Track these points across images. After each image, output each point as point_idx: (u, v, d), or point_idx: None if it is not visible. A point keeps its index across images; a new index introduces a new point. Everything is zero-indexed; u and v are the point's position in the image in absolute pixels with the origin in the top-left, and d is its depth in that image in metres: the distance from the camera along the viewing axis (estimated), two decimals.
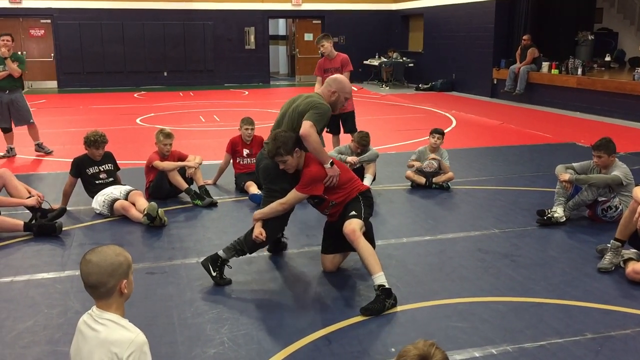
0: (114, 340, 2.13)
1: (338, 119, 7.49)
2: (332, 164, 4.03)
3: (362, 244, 3.82)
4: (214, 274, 4.08)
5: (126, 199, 5.74)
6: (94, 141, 5.82)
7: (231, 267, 4.20)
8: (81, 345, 2.22)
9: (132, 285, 2.29)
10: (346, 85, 4.30)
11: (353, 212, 3.97)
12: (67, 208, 5.73)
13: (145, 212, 5.34)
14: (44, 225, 5.18)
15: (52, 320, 3.65)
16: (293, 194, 3.99)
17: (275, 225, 4.17)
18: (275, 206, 4.02)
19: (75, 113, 13.65)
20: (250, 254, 4.21)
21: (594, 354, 3.21)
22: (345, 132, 7.53)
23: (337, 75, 4.44)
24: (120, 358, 2.09)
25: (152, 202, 5.46)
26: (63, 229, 5.24)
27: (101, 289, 2.19)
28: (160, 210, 5.39)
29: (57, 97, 17.44)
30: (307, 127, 3.95)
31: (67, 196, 5.87)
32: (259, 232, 4.02)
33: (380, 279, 3.74)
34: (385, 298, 3.68)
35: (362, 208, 4.02)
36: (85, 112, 13.87)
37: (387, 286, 3.73)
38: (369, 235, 4.07)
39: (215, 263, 4.08)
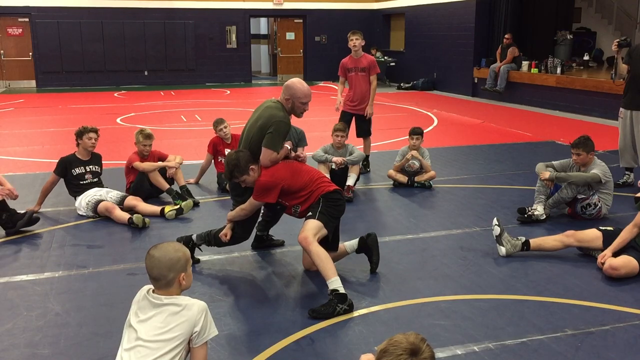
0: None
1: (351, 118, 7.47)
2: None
3: (314, 249, 3.81)
4: None
5: (120, 204, 5.67)
6: (82, 130, 5.81)
7: (202, 251, 4.61)
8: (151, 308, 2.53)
9: (190, 278, 2.57)
10: (297, 90, 4.17)
11: (309, 214, 4.02)
12: (48, 209, 5.64)
13: (132, 221, 5.31)
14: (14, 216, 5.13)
15: (31, 322, 3.61)
16: (249, 202, 4.20)
17: (244, 227, 4.40)
18: (238, 211, 4.28)
19: (55, 113, 13.49)
20: (218, 247, 4.53)
21: (574, 350, 3.24)
22: (357, 135, 7.61)
23: (290, 81, 4.27)
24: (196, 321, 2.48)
25: (138, 215, 5.39)
26: (43, 230, 5.15)
27: (162, 281, 2.50)
28: (147, 220, 5.39)
29: (36, 96, 17.22)
30: (266, 158, 4.09)
31: (45, 194, 5.75)
32: (224, 233, 4.36)
33: (334, 283, 3.71)
34: (337, 302, 3.64)
35: (319, 209, 4.00)
36: (64, 111, 13.71)
37: (341, 291, 3.69)
38: (335, 235, 4.19)
39: (187, 244, 4.45)
